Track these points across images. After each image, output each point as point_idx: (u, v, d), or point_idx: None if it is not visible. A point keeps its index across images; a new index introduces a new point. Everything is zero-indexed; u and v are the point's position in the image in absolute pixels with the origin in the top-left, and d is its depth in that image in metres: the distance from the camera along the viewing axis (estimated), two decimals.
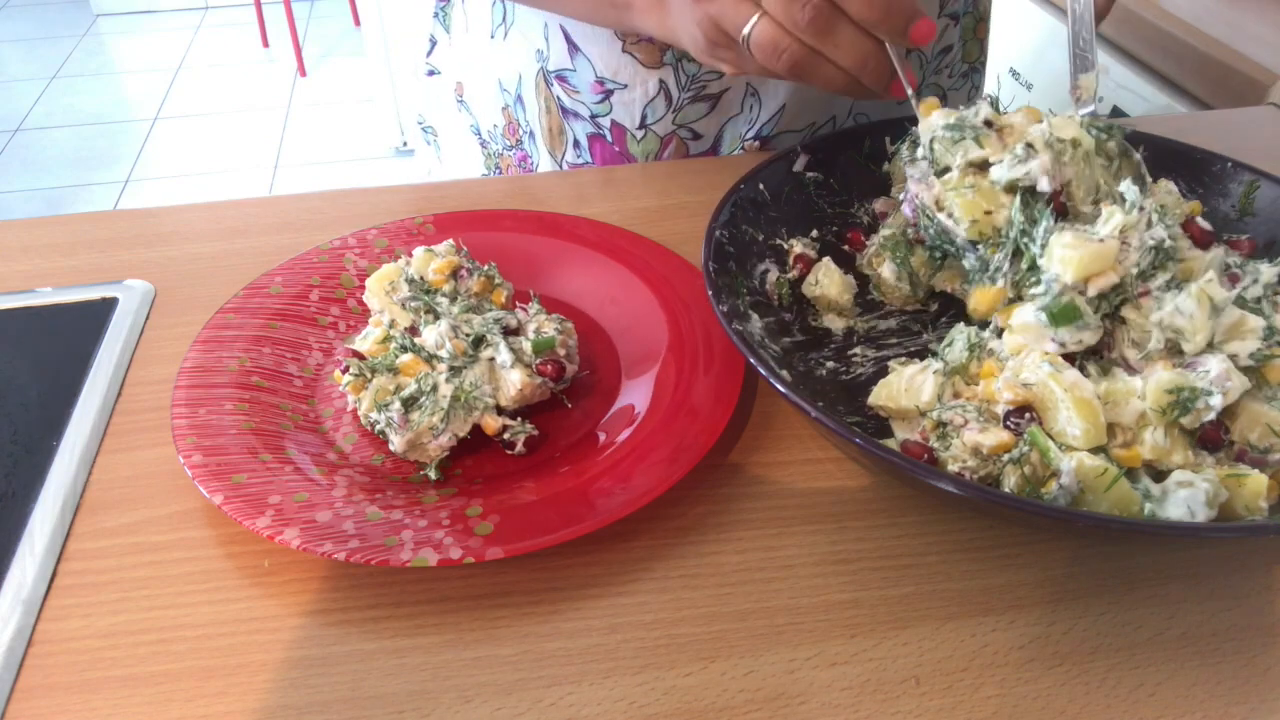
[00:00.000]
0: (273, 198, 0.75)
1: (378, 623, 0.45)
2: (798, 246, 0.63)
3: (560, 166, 0.84)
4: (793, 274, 0.62)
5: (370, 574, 0.47)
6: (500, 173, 0.90)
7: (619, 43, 0.75)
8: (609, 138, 0.81)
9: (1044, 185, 0.51)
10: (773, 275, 0.61)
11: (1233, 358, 0.47)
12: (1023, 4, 1.39)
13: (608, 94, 0.78)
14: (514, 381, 0.52)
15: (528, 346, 0.54)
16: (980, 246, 0.53)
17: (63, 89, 3.34)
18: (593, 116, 0.80)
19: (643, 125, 0.79)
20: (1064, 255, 0.48)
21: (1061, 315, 0.48)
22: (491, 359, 0.54)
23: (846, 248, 0.65)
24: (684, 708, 0.42)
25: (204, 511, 0.49)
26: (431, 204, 0.72)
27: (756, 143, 0.80)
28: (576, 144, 0.82)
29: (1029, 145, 0.53)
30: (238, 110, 3.21)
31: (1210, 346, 0.48)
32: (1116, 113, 1.20)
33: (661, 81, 0.76)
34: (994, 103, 0.67)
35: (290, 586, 0.46)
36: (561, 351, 0.55)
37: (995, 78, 1.43)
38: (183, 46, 3.63)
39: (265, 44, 3.63)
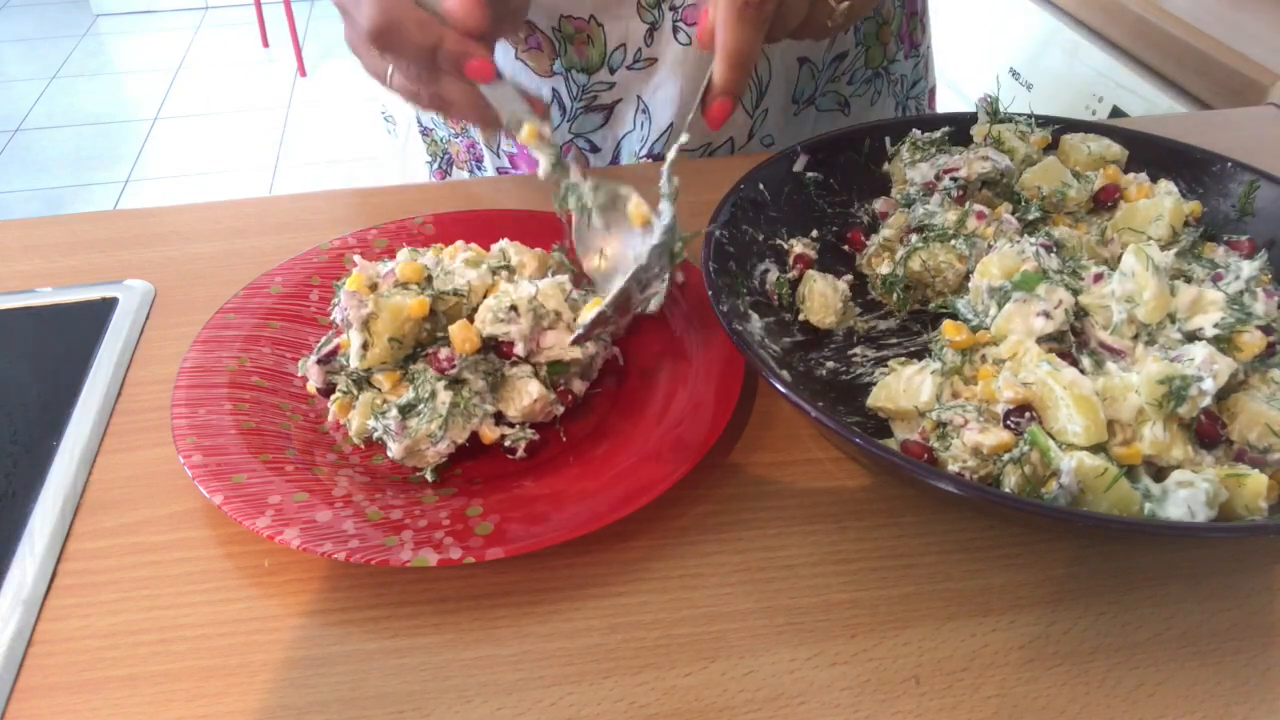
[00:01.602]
0: (272, 198, 0.75)
1: (378, 623, 0.45)
2: (798, 246, 0.63)
3: (498, 156, 0.85)
4: (793, 274, 0.62)
5: (370, 574, 0.47)
6: (449, 160, 0.90)
7: (511, 49, 0.76)
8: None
9: None
10: (773, 275, 0.61)
11: (1199, 331, 0.49)
12: (1023, 4, 1.39)
13: None
14: (531, 392, 0.52)
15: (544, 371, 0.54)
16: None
17: (63, 89, 3.34)
18: None
19: None
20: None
21: (1025, 283, 0.51)
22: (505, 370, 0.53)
23: (846, 248, 0.65)
24: (684, 708, 0.42)
25: (204, 511, 0.49)
26: (431, 204, 0.72)
27: (649, 160, 0.81)
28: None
29: None
30: (238, 110, 3.20)
31: (1172, 320, 0.50)
32: (1117, 113, 1.20)
33: (554, 90, 0.77)
34: (993, 103, 0.67)
35: (290, 586, 0.46)
36: (590, 354, 0.54)
37: (995, 78, 1.43)
38: (183, 46, 3.63)
39: (265, 44, 3.63)
